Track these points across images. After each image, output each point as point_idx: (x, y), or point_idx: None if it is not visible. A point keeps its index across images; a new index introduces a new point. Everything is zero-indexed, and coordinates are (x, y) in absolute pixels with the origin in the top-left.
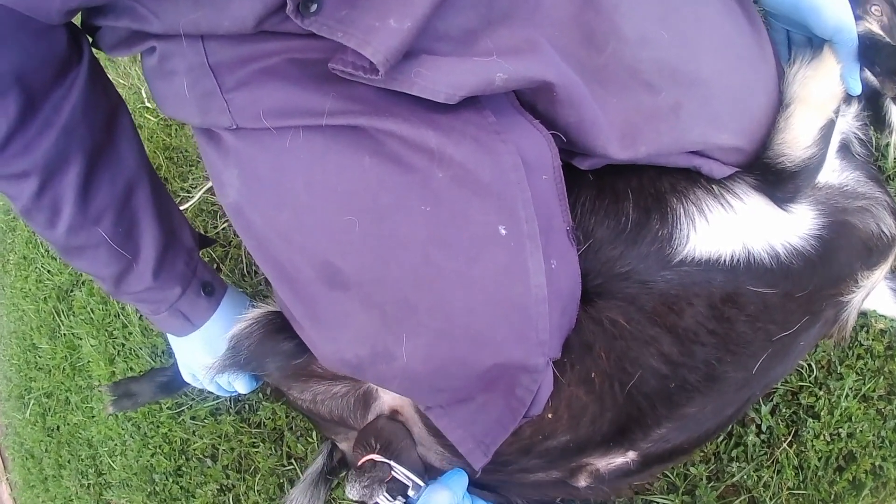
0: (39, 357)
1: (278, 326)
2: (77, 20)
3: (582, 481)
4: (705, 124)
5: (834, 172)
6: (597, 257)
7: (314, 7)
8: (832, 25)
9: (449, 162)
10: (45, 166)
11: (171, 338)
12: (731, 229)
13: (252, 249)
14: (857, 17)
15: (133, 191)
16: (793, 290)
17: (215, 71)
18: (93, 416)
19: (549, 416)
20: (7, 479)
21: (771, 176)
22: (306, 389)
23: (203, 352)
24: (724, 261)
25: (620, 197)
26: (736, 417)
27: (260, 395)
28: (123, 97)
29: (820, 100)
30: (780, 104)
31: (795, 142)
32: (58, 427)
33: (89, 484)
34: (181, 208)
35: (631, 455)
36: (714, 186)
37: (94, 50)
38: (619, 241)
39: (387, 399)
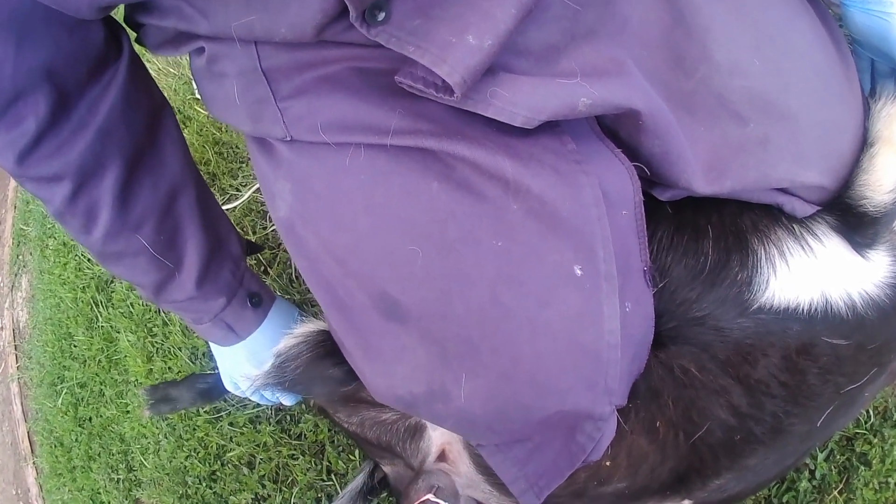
0: (75, 347)
1: (328, 350)
2: (119, 15)
3: None
4: (792, 160)
5: None
6: (672, 298)
7: (382, 15)
8: None
9: (525, 193)
10: (80, 169)
11: (213, 345)
12: (811, 275)
13: (303, 270)
14: None
15: (177, 197)
16: (865, 342)
17: (269, 76)
18: (127, 412)
19: (607, 463)
20: (34, 463)
21: (851, 218)
22: (354, 414)
23: (247, 363)
24: (802, 309)
25: (700, 234)
26: (794, 466)
27: (303, 405)
28: (173, 87)
29: None
30: (864, 141)
31: (878, 185)
32: (90, 418)
33: (119, 479)
34: (229, 206)
35: (687, 503)
36: (795, 226)
37: (135, 45)
38: (696, 283)
39: (436, 434)
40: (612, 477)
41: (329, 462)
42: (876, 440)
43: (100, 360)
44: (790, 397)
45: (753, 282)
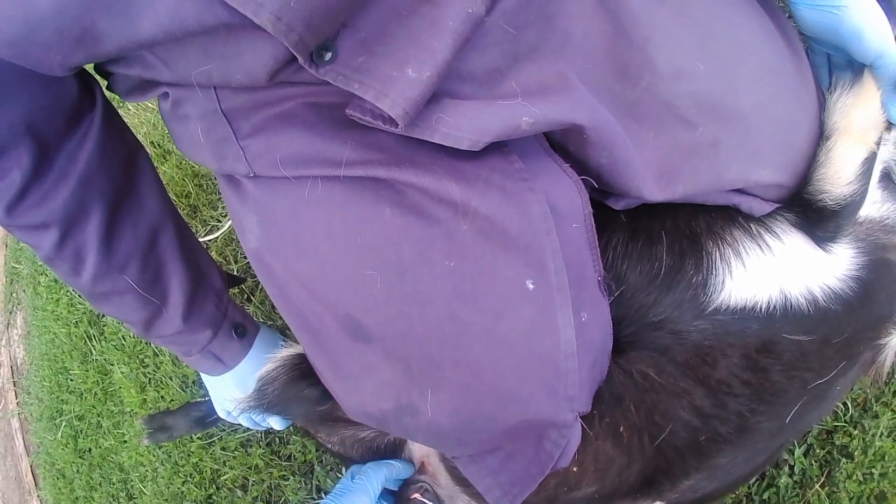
0: (71, 381)
1: (304, 372)
2: (90, 66)
3: None
4: (745, 160)
5: (875, 205)
6: (629, 304)
7: (329, 55)
8: (874, 50)
9: (474, 214)
10: (65, 217)
11: (203, 375)
12: (769, 273)
13: (274, 297)
14: None
15: (158, 236)
16: (830, 336)
17: (229, 117)
18: (124, 441)
19: (575, 469)
20: (38, 496)
21: (812, 213)
22: (334, 433)
23: (236, 389)
24: (761, 308)
25: (655, 240)
26: (769, 463)
27: (291, 428)
28: (152, 121)
29: (861, 130)
30: (820, 135)
31: (837, 177)
32: (89, 449)
33: None
34: (211, 237)
35: None
36: (752, 225)
37: (108, 93)
38: (652, 288)
39: (415, 448)
40: (581, 482)
41: (318, 481)
42: (856, 432)
43: (95, 393)
44: (754, 395)
45: (709, 283)
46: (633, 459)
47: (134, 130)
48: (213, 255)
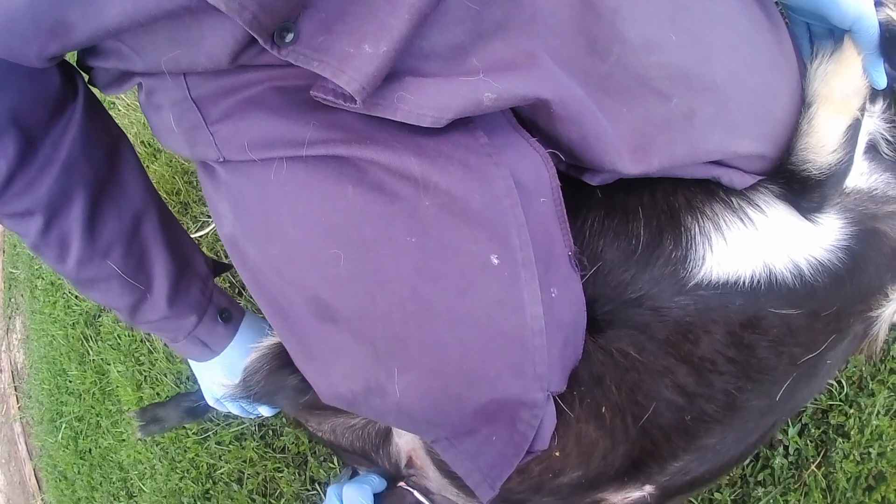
0: (69, 382)
1: (287, 360)
2: (73, 59)
3: None
4: (723, 131)
5: (862, 176)
6: (606, 282)
7: (290, 36)
8: (852, 14)
9: (435, 190)
10: (49, 204)
11: (192, 362)
12: (751, 247)
13: (247, 283)
14: (878, 4)
15: (141, 222)
16: (818, 310)
17: (199, 104)
18: (123, 440)
19: (557, 453)
20: (42, 500)
21: (796, 184)
22: (323, 422)
23: (223, 377)
24: (744, 282)
25: (631, 216)
26: (762, 443)
27: (283, 419)
28: (142, 121)
29: (843, 97)
30: (802, 104)
31: (820, 146)
32: (89, 450)
33: None
34: (202, 233)
35: (648, 489)
36: (734, 199)
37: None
38: (629, 264)
39: (402, 441)
40: (565, 467)
41: (312, 472)
42: (852, 411)
43: (94, 393)
44: (741, 373)
45: (688, 258)
46: (617, 441)
47: (125, 130)
48: (204, 251)
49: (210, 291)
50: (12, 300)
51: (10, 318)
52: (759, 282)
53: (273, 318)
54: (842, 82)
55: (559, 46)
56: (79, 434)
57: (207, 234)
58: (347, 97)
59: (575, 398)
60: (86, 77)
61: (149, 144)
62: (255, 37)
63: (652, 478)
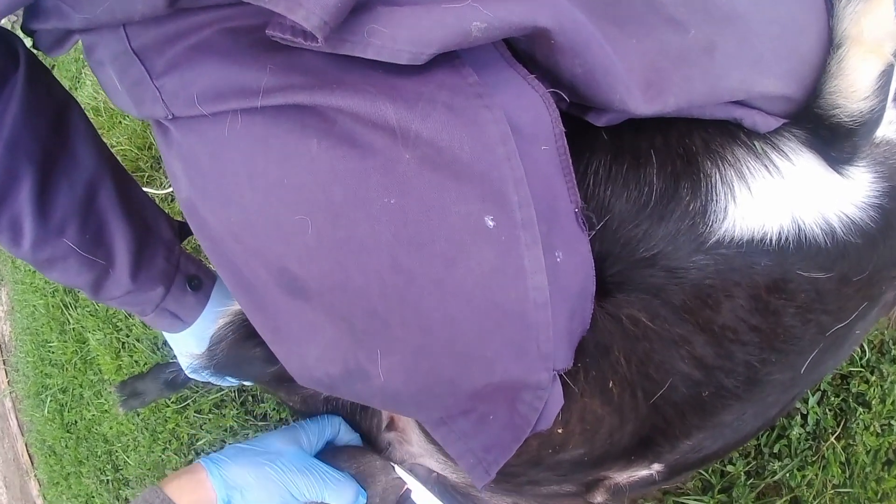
0: (51, 353)
1: (253, 329)
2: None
3: (599, 497)
4: (746, 68)
5: (892, 125)
6: (615, 238)
7: None
8: None
9: (415, 140)
10: None
11: (165, 333)
12: (779, 199)
13: (207, 252)
14: None
15: (96, 192)
16: (850, 274)
17: (141, 56)
18: (105, 411)
19: (559, 430)
20: (35, 476)
21: (824, 131)
22: (293, 392)
23: (196, 347)
24: (771, 240)
25: (643, 161)
26: (780, 416)
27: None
28: None
29: (874, 39)
30: (830, 43)
31: (851, 91)
32: (75, 422)
33: (108, 480)
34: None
35: (656, 467)
36: (757, 143)
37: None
38: (641, 218)
39: None
40: (566, 444)
41: None
42: (874, 378)
43: (75, 363)
44: (765, 343)
45: (708, 211)
46: (625, 419)
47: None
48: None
49: (176, 258)
50: None
51: None
52: (787, 239)
53: (237, 292)
54: (873, 23)
55: None
56: (64, 407)
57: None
58: (308, 35)
59: (579, 370)
60: (29, 42)
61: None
62: None
63: (662, 456)
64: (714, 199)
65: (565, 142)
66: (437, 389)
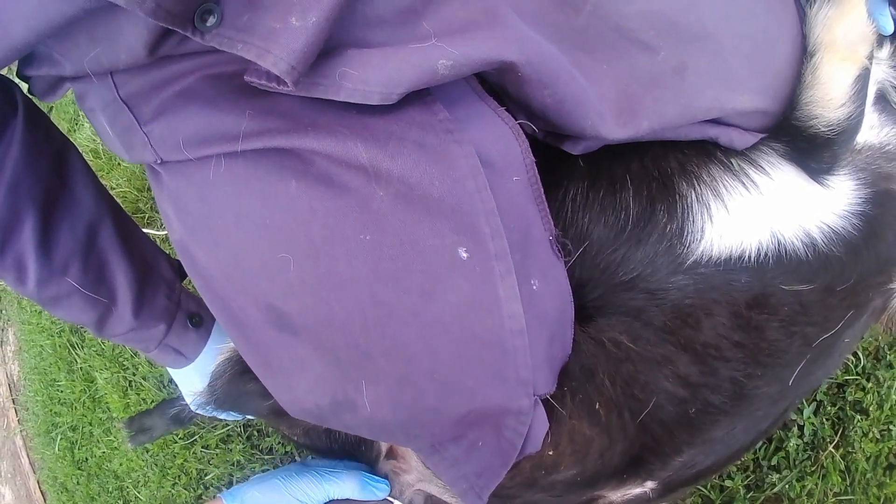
0: (60, 392)
1: (247, 366)
2: (8, 73)
3: None
4: (719, 86)
5: (873, 130)
6: (594, 263)
7: (212, 19)
8: None
9: (387, 178)
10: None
11: (169, 369)
12: (757, 214)
13: (200, 290)
14: None
15: (96, 232)
16: (833, 283)
17: (129, 103)
18: (115, 448)
19: (550, 452)
20: None
21: (803, 142)
22: (294, 425)
23: (200, 382)
24: (749, 256)
25: (619, 186)
26: (774, 427)
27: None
28: None
29: (848, 44)
30: (804, 52)
31: (827, 99)
32: (86, 459)
33: None
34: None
35: (650, 485)
36: (734, 161)
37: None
38: (619, 242)
39: None
40: (559, 465)
41: None
42: (870, 385)
43: (84, 402)
44: (749, 358)
45: (685, 232)
46: (614, 439)
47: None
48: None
49: (177, 296)
50: (3, 312)
51: (2, 330)
52: (766, 255)
53: (229, 328)
54: (845, 27)
55: (525, 1)
56: (74, 444)
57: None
58: (281, 80)
59: (566, 394)
60: (25, 87)
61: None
62: (171, 27)
63: (654, 474)
64: (690, 219)
65: (536, 172)
66: (423, 418)
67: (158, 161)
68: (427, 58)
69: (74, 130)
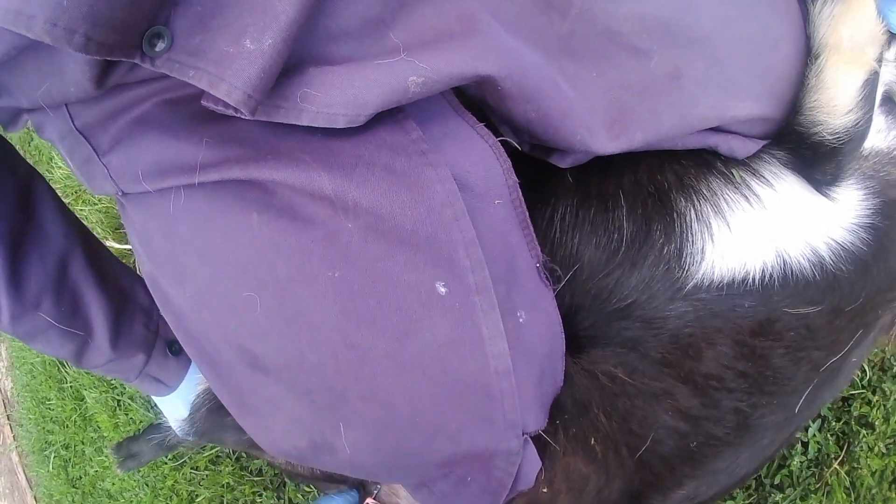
0: (52, 410)
1: None
2: None
3: None
4: (717, 92)
5: (880, 134)
6: (585, 289)
7: (162, 44)
8: None
9: (355, 209)
10: None
11: (153, 397)
12: (761, 232)
13: (171, 326)
14: None
15: (67, 265)
16: (842, 304)
17: (86, 134)
18: (107, 468)
19: (544, 489)
20: None
21: (806, 150)
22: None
23: (183, 409)
24: (753, 279)
25: (611, 203)
26: (778, 452)
27: None
28: None
29: (855, 45)
30: (808, 53)
31: (832, 105)
32: (80, 477)
33: None
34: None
35: None
36: (735, 172)
37: None
38: (612, 266)
39: None
40: (554, 502)
41: (290, 495)
42: (876, 398)
43: (75, 420)
44: (753, 388)
45: (684, 253)
46: (611, 475)
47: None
48: None
49: (155, 325)
50: None
51: None
52: (771, 276)
53: (202, 365)
54: (852, 28)
55: (505, 4)
56: (67, 462)
57: None
58: None
59: (558, 428)
60: None
61: None
62: (115, 56)
63: None
64: (689, 239)
65: (520, 193)
66: (405, 461)
67: (120, 193)
68: (396, 74)
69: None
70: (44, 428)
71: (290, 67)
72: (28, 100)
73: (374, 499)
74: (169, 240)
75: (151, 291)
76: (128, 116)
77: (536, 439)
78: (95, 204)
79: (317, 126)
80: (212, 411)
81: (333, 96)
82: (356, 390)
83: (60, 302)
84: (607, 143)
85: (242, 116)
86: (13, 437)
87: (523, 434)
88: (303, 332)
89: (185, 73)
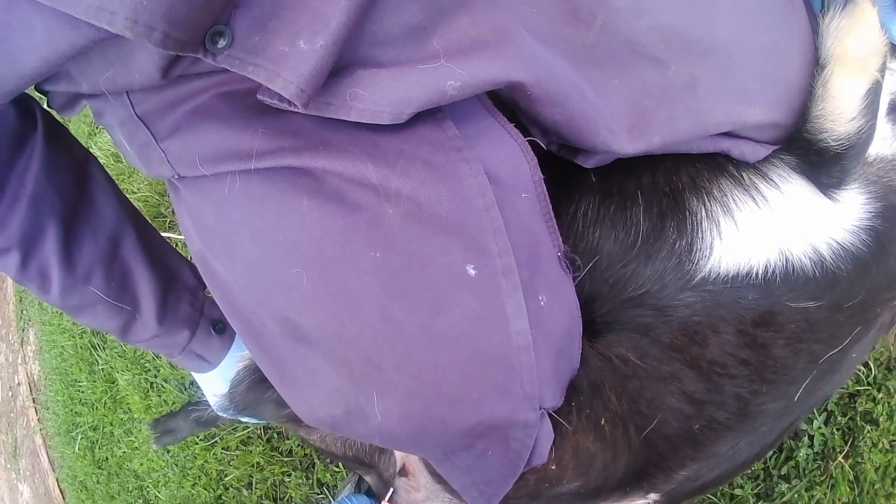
0: (81, 392)
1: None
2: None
3: None
4: (730, 99)
5: (885, 141)
6: (603, 279)
7: (223, 41)
8: None
9: (396, 197)
10: (23, 239)
11: (193, 374)
12: (765, 231)
13: (218, 301)
14: None
15: (119, 242)
16: (841, 301)
17: (146, 120)
18: (136, 448)
19: (553, 466)
20: None
21: (813, 156)
22: (312, 431)
23: (223, 387)
24: (757, 273)
25: (630, 201)
26: (780, 440)
27: None
28: None
29: (860, 56)
30: (816, 64)
31: (838, 113)
32: (106, 459)
33: None
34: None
35: (653, 497)
36: (745, 174)
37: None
38: (629, 258)
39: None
40: (562, 478)
41: (319, 476)
42: (881, 395)
43: (105, 402)
44: (754, 375)
45: (694, 249)
46: (618, 453)
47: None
48: None
49: (200, 303)
50: (24, 312)
51: (23, 329)
52: (774, 272)
53: (247, 338)
54: (857, 40)
55: (535, 16)
56: (94, 444)
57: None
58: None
59: (573, 409)
60: (44, 101)
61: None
62: (182, 50)
63: (657, 487)
64: (700, 236)
65: (545, 189)
66: (431, 429)
67: (176, 176)
68: (436, 79)
69: (95, 135)
70: (72, 410)
71: (340, 69)
72: (90, 85)
73: (388, 500)
74: (221, 220)
75: (199, 269)
76: (187, 106)
77: (551, 420)
78: (134, 193)
79: (363, 122)
80: (252, 387)
81: (380, 96)
82: (391, 360)
83: (110, 278)
84: (628, 145)
85: (295, 110)
86: (38, 419)
87: (540, 408)
88: (345, 306)
89: (245, 68)
